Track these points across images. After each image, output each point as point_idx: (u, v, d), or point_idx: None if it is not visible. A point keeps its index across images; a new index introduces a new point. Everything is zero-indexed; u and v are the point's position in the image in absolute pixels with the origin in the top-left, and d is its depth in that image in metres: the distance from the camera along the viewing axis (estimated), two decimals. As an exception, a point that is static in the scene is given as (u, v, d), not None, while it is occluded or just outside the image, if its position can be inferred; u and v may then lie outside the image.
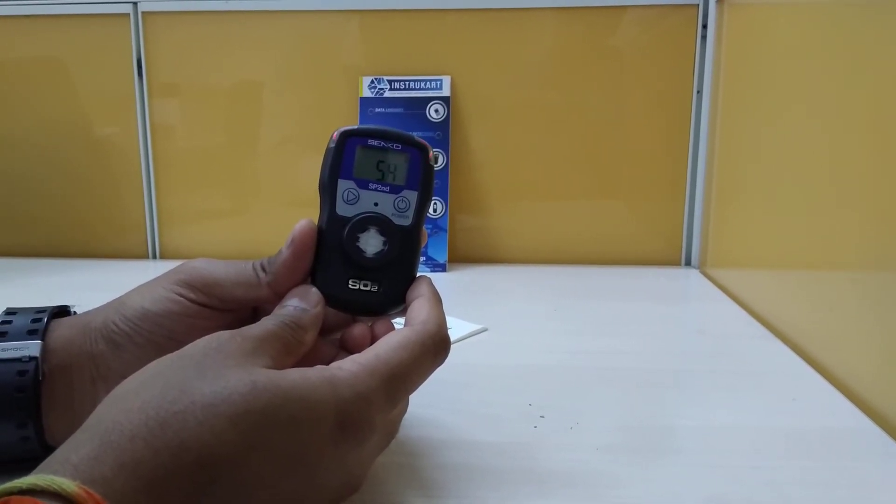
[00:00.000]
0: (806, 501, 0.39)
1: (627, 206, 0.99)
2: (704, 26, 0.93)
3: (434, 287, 0.41)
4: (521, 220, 1.01)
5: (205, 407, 0.30)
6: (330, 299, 0.40)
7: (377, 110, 0.98)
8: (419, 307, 0.39)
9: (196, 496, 0.29)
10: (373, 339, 0.39)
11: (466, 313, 0.72)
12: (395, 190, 0.41)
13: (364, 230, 0.40)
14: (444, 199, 0.97)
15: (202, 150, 1.03)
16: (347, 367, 0.34)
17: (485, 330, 0.70)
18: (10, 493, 0.26)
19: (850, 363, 0.56)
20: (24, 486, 0.26)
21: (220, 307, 0.41)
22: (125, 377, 0.33)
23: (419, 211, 0.41)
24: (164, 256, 1.06)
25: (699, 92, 0.95)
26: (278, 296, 0.39)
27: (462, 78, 0.97)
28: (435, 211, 0.97)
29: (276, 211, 1.03)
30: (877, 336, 0.52)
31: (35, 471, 0.27)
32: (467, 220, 1.01)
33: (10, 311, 0.42)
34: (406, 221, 0.41)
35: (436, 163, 0.94)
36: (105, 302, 0.42)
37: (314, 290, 0.39)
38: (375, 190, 0.41)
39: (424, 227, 0.42)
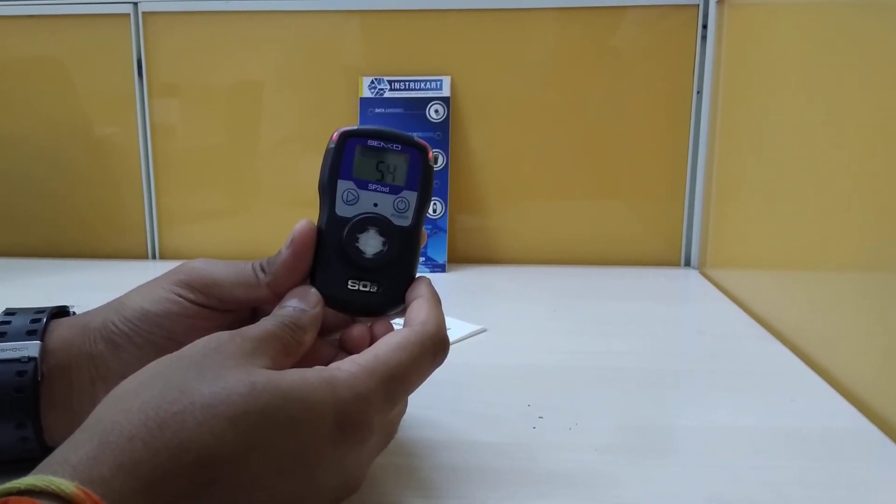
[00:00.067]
0: (805, 502, 0.39)
1: (627, 207, 0.99)
2: (704, 27, 0.94)
3: (433, 288, 0.41)
4: (520, 220, 1.01)
5: (204, 407, 0.30)
6: (329, 300, 0.40)
7: (377, 110, 0.98)
8: (418, 308, 0.39)
9: (195, 497, 0.29)
10: (372, 340, 0.39)
11: (466, 314, 0.72)
12: (395, 190, 0.41)
13: (363, 231, 0.40)
14: (444, 199, 0.97)
15: (202, 150, 1.03)
16: (346, 367, 0.34)
17: (484, 330, 0.70)
18: (9, 493, 0.26)
19: (850, 364, 0.56)
20: (23, 487, 0.26)
21: (220, 308, 0.41)
22: (124, 378, 0.33)
23: (419, 211, 0.41)
24: (163, 257, 1.06)
25: (699, 92, 0.95)
26: (278, 296, 0.39)
27: (462, 78, 0.97)
28: (434, 211, 0.97)
29: (275, 211, 1.03)
30: (876, 337, 0.52)
31: (34, 471, 0.27)
32: (467, 220, 1.01)
33: (10, 312, 0.42)
34: (405, 222, 0.41)
35: (435, 163, 0.95)
36: (104, 302, 0.42)
37: (313, 290, 0.39)
38: (375, 190, 0.41)
39: (424, 227, 0.42)
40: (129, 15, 0.99)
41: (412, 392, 0.37)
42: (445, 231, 0.97)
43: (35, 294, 0.84)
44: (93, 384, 0.40)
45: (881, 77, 0.52)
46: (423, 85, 0.97)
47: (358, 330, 0.40)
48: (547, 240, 1.01)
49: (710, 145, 0.94)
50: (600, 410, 0.51)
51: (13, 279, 0.93)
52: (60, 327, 0.41)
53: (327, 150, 0.41)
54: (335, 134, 0.41)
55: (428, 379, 0.37)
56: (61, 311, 0.43)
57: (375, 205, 0.41)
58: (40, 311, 0.42)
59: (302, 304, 0.38)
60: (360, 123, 0.97)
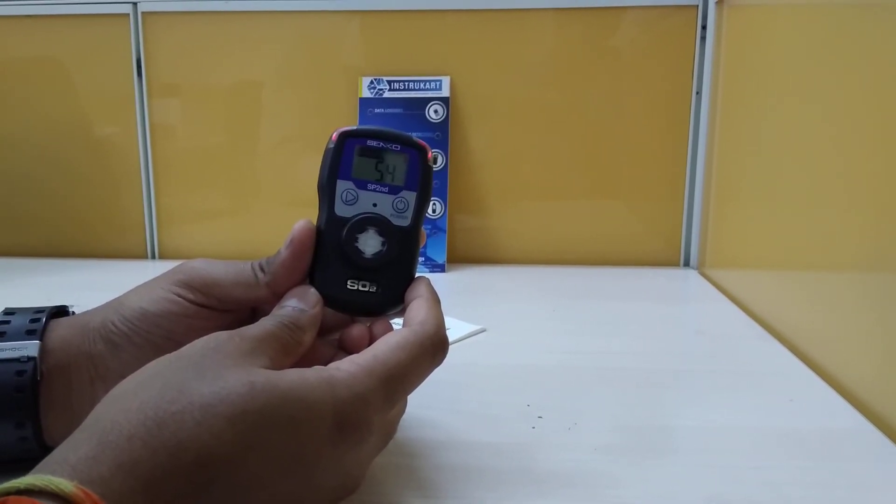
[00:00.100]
0: (804, 502, 0.39)
1: (626, 207, 0.99)
2: (704, 27, 0.94)
3: (433, 288, 0.41)
4: (520, 220, 1.01)
5: (203, 407, 0.30)
6: (328, 300, 0.40)
7: (376, 111, 0.98)
8: (418, 308, 0.39)
9: (194, 496, 0.29)
10: (371, 340, 0.39)
11: (465, 314, 0.72)
12: (394, 190, 0.41)
13: (363, 231, 0.40)
14: (444, 199, 0.97)
15: (202, 150, 1.03)
16: (346, 367, 0.34)
17: (483, 330, 0.70)
18: (8, 493, 0.26)
19: (849, 364, 0.56)
20: (22, 486, 0.26)
21: (219, 307, 0.41)
22: (124, 377, 0.33)
23: (418, 211, 0.41)
24: (163, 256, 1.06)
25: (698, 93, 0.95)
26: (277, 296, 0.40)
27: (461, 78, 0.98)
28: (434, 211, 0.97)
29: (275, 211, 1.03)
30: (876, 337, 0.52)
31: (33, 471, 0.27)
32: (466, 220, 1.01)
33: (9, 311, 0.42)
34: (405, 222, 0.41)
35: (435, 163, 0.94)
36: (104, 302, 0.42)
37: (313, 290, 0.39)
38: (374, 190, 0.41)
39: (423, 227, 0.42)
40: (128, 15, 0.99)
41: (411, 392, 0.37)
42: (445, 231, 0.97)
43: (35, 293, 0.85)
44: (92, 384, 0.40)
45: (880, 77, 0.52)
46: (422, 85, 0.97)
47: (357, 330, 0.40)
48: (546, 240, 1.01)
49: (710, 145, 0.94)
50: (599, 410, 0.51)
51: (13, 279, 0.93)
52: (60, 327, 0.41)
53: (326, 151, 0.41)
54: (334, 134, 0.41)
55: (427, 379, 0.37)
56: (60, 311, 0.43)
57: (375, 205, 0.41)
58: (39, 310, 0.42)
59: (301, 303, 0.38)
60: (360, 123, 0.97)
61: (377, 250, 0.40)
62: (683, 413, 0.52)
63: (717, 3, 0.91)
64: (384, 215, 0.41)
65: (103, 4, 0.99)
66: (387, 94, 0.97)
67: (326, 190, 0.41)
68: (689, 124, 0.96)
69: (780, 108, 0.72)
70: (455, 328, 0.69)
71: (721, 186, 0.90)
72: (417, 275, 0.42)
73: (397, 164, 0.41)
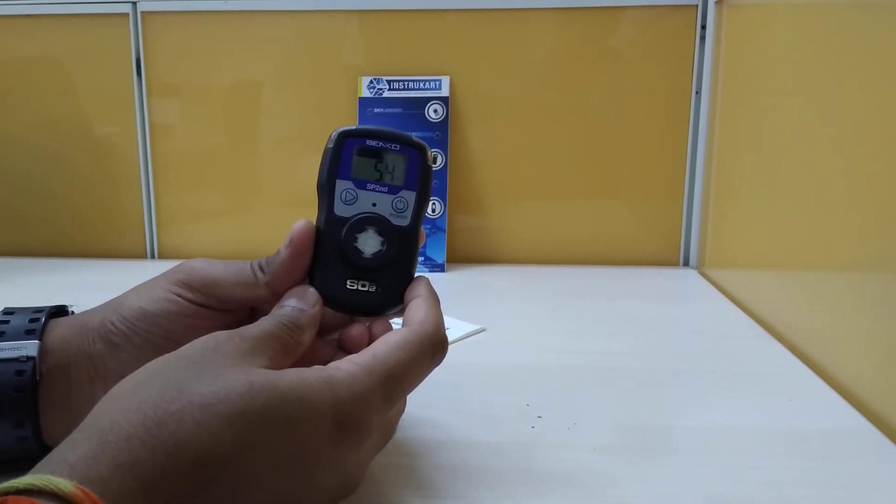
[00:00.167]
0: (804, 501, 0.39)
1: (626, 207, 0.99)
2: (703, 27, 0.94)
3: (432, 287, 0.41)
4: (519, 220, 1.01)
5: (202, 407, 0.30)
6: (328, 299, 0.40)
7: (376, 110, 0.98)
8: (417, 307, 0.39)
9: (193, 496, 0.29)
10: (370, 340, 0.39)
11: (464, 313, 0.72)
12: (394, 190, 0.41)
13: (362, 230, 0.40)
14: (443, 199, 0.97)
15: (201, 149, 1.03)
16: (345, 367, 0.34)
17: (483, 330, 0.70)
18: (7, 492, 0.26)
19: (849, 364, 0.56)
20: (21, 486, 0.26)
21: (218, 307, 0.41)
22: (123, 377, 0.33)
23: (417, 211, 0.41)
24: (162, 256, 1.06)
25: (698, 92, 0.95)
26: (276, 296, 0.39)
27: (461, 78, 0.97)
28: (433, 211, 0.97)
29: (274, 211, 1.03)
30: (875, 337, 0.52)
31: (32, 470, 0.27)
32: (466, 220, 1.01)
33: (8, 311, 0.42)
34: (404, 222, 0.41)
35: (434, 163, 0.95)
36: (104, 301, 0.42)
37: (312, 290, 0.39)
38: (373, 190, 0.41)
39: (423, 227, 0.42)
40: (127, 14, 0.99)
41: (411, 392, 0.37)
42: (444, 231, 0.97)
43: (34, 293, 0.85)
44: (91, 384, 0.40)
45: (880, 77, 0.52)
46: (421, 85, 0.97)
47: (356, 329, 0.40)
48: (546, 239, 1.01)
49: (709, 145, 0.94)
50: (599, 410, 0.51)
51: (13, 278, 0.93)
52: (59, 327, 0.41)
53: (326, 150, 0.41)
54: (333, 134, 0.41)
55: (426, 378, 0.37)
56: (60, 311, 0.43)
57: (374, 204, 0.41)
58: (39, 310, 0.42)
59: (300, 303, 0.38)
60: (359, 123, 0.97)
61: (376, 250, 0.40)
62: (683, 413, 0.52)
63: (716, 2, 0.91)
64: (383, 215, 0.41)
65: (103, 4, 0.99)
66: (386, 94, 0.97)
67: (326, 190, 0.41)
68: (688, 124, 0.96)
69: (780, 108, 0.72)
70: (454, 328, 0.69)
71: (721, 186, 0.90)
72: (417, 274, 0.42)
73: (397, 163, 0.41)
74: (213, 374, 0.31)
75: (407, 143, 0.41)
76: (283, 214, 1.02)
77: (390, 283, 0.41)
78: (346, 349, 0.40)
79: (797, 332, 0.65)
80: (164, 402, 0.30)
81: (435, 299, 0.40)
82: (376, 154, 0.41)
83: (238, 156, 1.02)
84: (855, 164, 0.56)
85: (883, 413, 0.50)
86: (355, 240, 0.40)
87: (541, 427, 0.49)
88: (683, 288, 0.91)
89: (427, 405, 0.50)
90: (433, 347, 0.37)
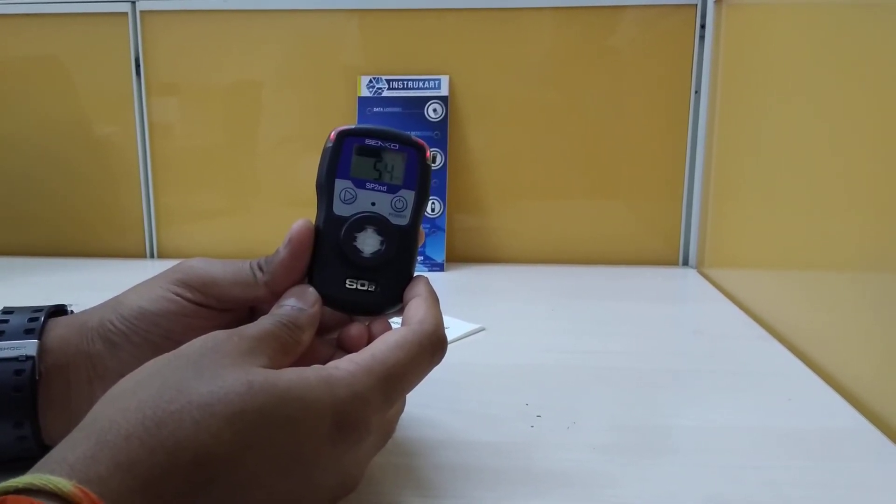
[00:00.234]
0: (804, 501, 0.39)
1: (625, 206, 0.99)
2: (703, 26, 0.94)
3: (431, 287, 0.41)
4: (519, 219, 1.01)
5: (201, 406, 0.30)
6: (327, 299, 0.40)
7: (375, 110, 0.98)
8: (416, 307, 0.39)
9: (192, 496, 0.29)
10: (370, 339, 0.39)
11: (464, 313, 0.72)
12: (393, 189, 0.41)
13: (361, 230, 0.40)
14: (442, 198, 0.97)
15: (200, 149, 1.03)
16: (344, 366, 0.34)
17: (482, 329, 0.70)
18: (7, 492, 0.26)
19: (848, 364, 0.56)
20: (21, 486, 0.26)
21: (218, 307, 0.41)
22: (122, 376, 0.33)
23: (416, 210, 0.41)
24: (161, 256, 1.06)
25: (697, 92, 0.95)
26: (275, 295, 0.39)
27: (460, 77, 0.97)
28: (433, 210, 0.97)
29: (274, 210, 1.03)
30: (875, 337, 0.52)
31: (31, 470, 0.27)
32: (465, 219, 1.01)
33: (7, 311, 0.42)
34: (403, 221, 0.41)
35: (434, 162, 0.95)
36: (103, 301, 0.42)
37: (311, 289, 0.39)
38: (373, 189, 0.41)
39: (422, 226, 0.42)
40: (127, 14, 0.99)
41: (410, 391, 0.37)
42: (444, 230, 0.97)
43: (34, 293, 0.84)
44: (90, 383, 0.39)
45: (880, 77, 0.52)
46: (421, 84, 0.97)
47: (356, 329, 0.40)
48: (545, 239, 1.01)
49: (709, 145, 0.94)
50: (598, 410, 0.51)
51: (12, 278, 0.93)
52: (58, 326, 0.41)
53: (325, 150, 0.41)
54: (332, 133, 0.41)
55: (426, 378, 0.37)
56: (59, 310, 0.43)
57: (373, 204, 0.41)
58: (38, 309, 0.42)
59: (300, 303, 0.38)
60: (359, 122, 0.97)
61: (376, 249, 0.40)
62: (682, 412, 0.52)
63: (715, 2, 0.91)
64: (383, 214, 0.41)
65: (102, 3, 0.99)
66: (386, 93, 0.97)
67: (325, 189, 0.41)
68: (688, 123, 0.96)
69: (779, 107, 0.72)
70: (454, 327, 0.69)
71: (720, 185, 0.90)
72: (416, 274, 0.42)
73: (396, 163, 0.41)
74: (212, 373, 0.31)
75: (406, 143, 0.41)
76: (283, 214, 1.02)
77: (389, 282, 0.41)
78: (345, 348, 0.40)
79: (797, 332, 0.65)
80: (164, 402, 0.30)
81: (434, 299, 0.40)
82: (375, 153, 0.41)
83: (237, 155, 1.02)
84: (855, 163, 0.56)
85: (883, 413, 0.50)
86: (354, 239, 0.40)
87: (540, 427, 0.49)
88: (683, 288, 0.91)
89: (426, 405, 0.50)
90: (432, 347, 0.37)
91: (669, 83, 0.96)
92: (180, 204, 1.04)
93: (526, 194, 1.00)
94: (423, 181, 0.41)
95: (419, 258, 0.95)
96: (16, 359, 0.39)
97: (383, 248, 0.40)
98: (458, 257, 1.01)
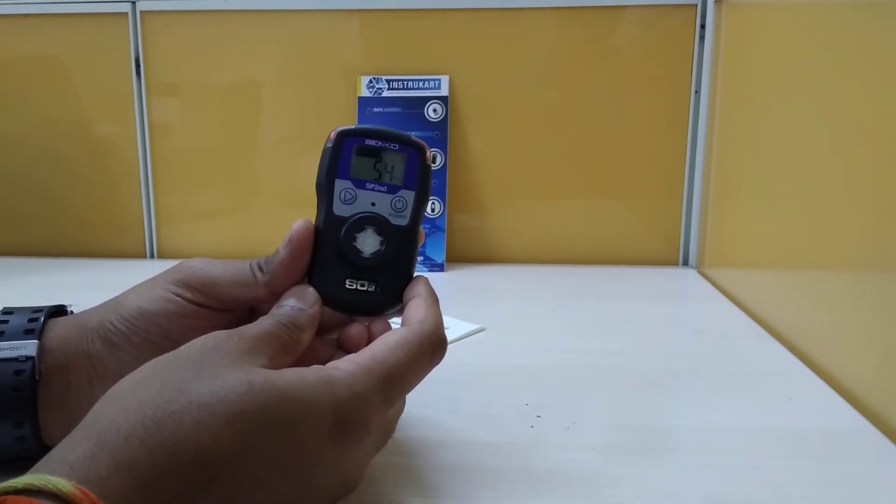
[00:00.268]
0: (804, 501, 0.39)
1: (625, 206, 0.99)
2: (703, 26, 0.94)
3: (431, 287, 0.41)
4: (519, 219, 1.01)
5: (201, 406, 0.30)
6: (327, 299, 0.40)
7: (375, 110, 0.97)
8: (416, 307, 0.39)
9: (192, 496, 0.29)
10: (370, 339, 0.39)
11: (464, 313, 0.72)
12: (393, 190, 0.41)
13: (361, 230, 0.40)
14: (442, 198, 0.97)
15: (200, 149, 1.03)
16: (344, 366, 0.34)
17: (482, 330, 0.70)
18: (6, 492, 0.26)
19: (848, 364, 0.56)
20: (20, 486, 0.26)
21: (217, 307, 0.41)
22: (122, 377, 0.32)
23: (416, 211, 0.41)
24: (161, 256, 1.06)
25: (697, 92, 0.95)
26: (275, 295, 0.39)
27: (460, 78, 0.97)
28: (433, 211, 0.97)
29: (274, 211, 1.03)
30: (875, 336, 0.52)
31: (31, 470, 0.27)
32: (465, 219, 1.01)
33: (7, 311, 0.42)
34: (403, 221, 0.41)
35: (434, 162, 0.95)
36: (103, 301, 0.42)
37: (311, 289, 0.39)
38: (372, 190, 0.41)
39: (422, 226, 0.42)
40: (127, 14, 0.99)
41: (410, 391, 0.37)
42: (444, 230, 0.97)
43: (34, 293, 0.84)
44: (90, 383, 0.40)
45: (879, 77, 0.52)
46: (421, 84, 0.97)
47: (356, 329, 0.40)
48: (545, 239, 1.01)
49: (709, 145, 0.94)
50: (598, 410, 0.51)
51: (12, 278, 0.93)
52: (58, 326, 0.41)
53: (324, 150, 0.41)
54: (332, 133, 0.41)
55: (426, 378, 0.37)
56: (59, 311, 0.43)
57: (373, 204, 0.41)
58: (38, 310, 0.42)
59: (300, 303, 0.38)
60: (359, 123, 0.97)
61: (375, 249, 0.40)
62: (682, 413, 0.52)
63: (715, 2, 0.91)
64: (383, 215, 0.41)
65: (102, 3, 0.99)
66: (386, 94, 0.97)
67: (325, 189, 0.41)
68: (688, 123, 0.96)
69: (779, 107, 0.72)
70: (454, 327, 0.69)
71: (720, 185, 0.90)
72: (416, 274, 0.42)
73: (395, 163, 0.41)
74: (212, 373, 0.31)
75: (406, 143, 0.41)
76: (283, 214, 1.02)
77: (389, 282, 0.41)
78: (345, 349, 0.40)
79: (797, 332, 0.65)
80: (163, 402, 0.30)
81: (434, 299, 0.40)
82: (375, 153, 0.41)
83: (237, 155, 1.02)
84: (854, 163, 0.56)
85: (883, 413, 0.50)
86: (354, 239, 0.40)
87: (540, 427, 0.49)
88: (683, 288, 0.91)
89: (426, 405, 0.50)
90: (432, 347, 0.37)
91: (669, 83, 0.96)
92: (180, 204, 1.04)
93: (526, 194, 1.00)
94: (422, 181, 0.41)
95: (419, 258, 0.95)
96: (16, 359, 0.39)
97: (383, 248, 0.40)
98: (458, 257, 1.01)
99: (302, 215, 0.41)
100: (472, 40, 0.97)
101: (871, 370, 0.53)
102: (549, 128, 0.98)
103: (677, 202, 0.98)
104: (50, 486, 0.26)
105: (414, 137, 0.42)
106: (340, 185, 0.41)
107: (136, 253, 1.05)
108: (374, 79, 0.97)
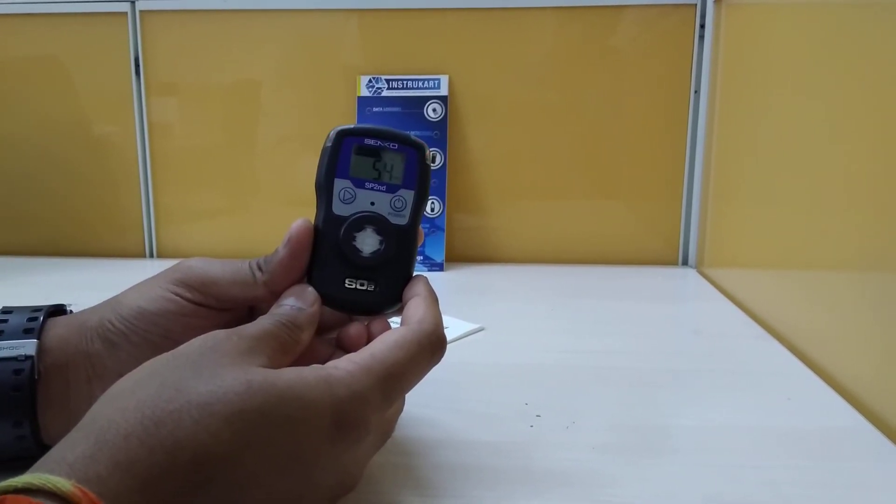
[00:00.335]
0: (803, 501, 0.39)
1: (625, 206, 0.99)
2: (702, 26, 0.94)
3: (430, 286, 0.41)
4: (518, 219, 1.01)
5: (200, 406, 0.30)
6: (326, 298, 0.40)
7: (375, 109, 0.97)
8: (415, 306, 0.39)
9: (191, 495, 0.29)
10: (369, 339, 0.39)
11: (463, 313, 0.72)
12: (392, 189, 0.41)
13: (360, 229, 0.40)
14: (442, 198, 0.97)
15: (200, 149, 1.02)
16: (343, 366, 0.34)
17: (482, 329, 0.70)
18: (6, 492, 0.26)
19: (848, 363, 0.56)
20: (20, 485, 0.26)
21: (217, 306, 0.41)
22: (121, 376, 0.32)
23: (416, 210, 0.41)
24: (161, 255, 1.06)
25: (697, 91, 0.95)
26: (275, 295, 0.39)
27: (460, 77, 0.97)
28: (433, 210, 0.97)
29: (273, 210, 1.03)
30: (874, 336, 0.52)
31: (30, 470, 0.27)
32: (465, 219, 1.01)
33: (7, 310, 0.42)
34: (403, 221, 0.41)
35: (433, 162, 0.95)
36: (102, 300, 0.42)
37: (310, 289, 0.39)
38: (372, 189, 0.41)
39: (421, 226, 0.42)
40: (126, 13, 0.99)
41: (409, 390, 0.37)
42: (443, 230, 0.97)
43: (34, 292, 0.84)
44: (89, 383, 0.40)
45: (879, 77, 0.52)
46: (420, 84, 0.97)
47: (355, 328, 0.40)
48: (545, 239, 1.01)
49: (708, 144, 0.94)
50: (597, 409, 0.51)
51: (12, 277, 0.93)
52: (57, 326, 0.41)
53: (324, 149, 0.41)
54: (332, 133, 0.41)
55: (425, 377, 0.37)
56: (58, 310, 0.43)
57: (372, 203, 0.41)
58: (37, 309, 0.42)
59: (299, 302, 0.38)
60: (358, 122, 0.97)
61: (375, 249, 0.40)
62: (682, 412, 0.52)
63: (715, 1, 0.91)
64: (382, 214, 0.41)
65: (101, 3, 0.99)
66: (385, 93, 0.97)
67: (324, 189, 0.41)
68: (687, 123, 0.96)
69: (779, 107, 0.72)
70: (453, 327, 0.69)
71: (720, 185, 0.90)
72: (415, 273, 0.42)
73: (395, 162, 0.41)
74: (211, 373, 0.31)
75: (405, 142, 0.41)
76: (282, 214, 1.02)
77: (389, 282, 0.41)
78: (344, 348, 0.40)
79: (796, 332, 0.65)
80: (163, 402, 0.30)
81: (433, 298, 0.40)
82: (375, 153, 0.41)
83: (237, 155, 1.02)
84: (854, 163, 0.56)
85: (882, 413, 0.50)
86: (354, 239, 0.40)
87: (539, 426, 0.49)
88: (682, 287, 0.91)
89: (426, 404, 0.50)
90: (432, 346, 0.37)
91: (669, 83, 0.96)
92: (180, 204, 1.04)
93: (526, 194, 1.00)
94: (422, 181, 0.41)
95: (419, 258, 0.95)
96: (15, 358, 0.39)
97: (382, 247, 0.40)
98: (458, 257, 1.01)
99: (301, 215, 0.41)
100: (471, 40, 0.97)
101: (871, 370, 0.53)
102: (549, 127, 0.98)
103: (677, 202, 0.98)
104: (49, 485, 0.26)
105: (413, 137, 0.42)
106: (340, 185, 0.41)
107: (136, 252, 1.05)
108: (374, 78, 0.97)
